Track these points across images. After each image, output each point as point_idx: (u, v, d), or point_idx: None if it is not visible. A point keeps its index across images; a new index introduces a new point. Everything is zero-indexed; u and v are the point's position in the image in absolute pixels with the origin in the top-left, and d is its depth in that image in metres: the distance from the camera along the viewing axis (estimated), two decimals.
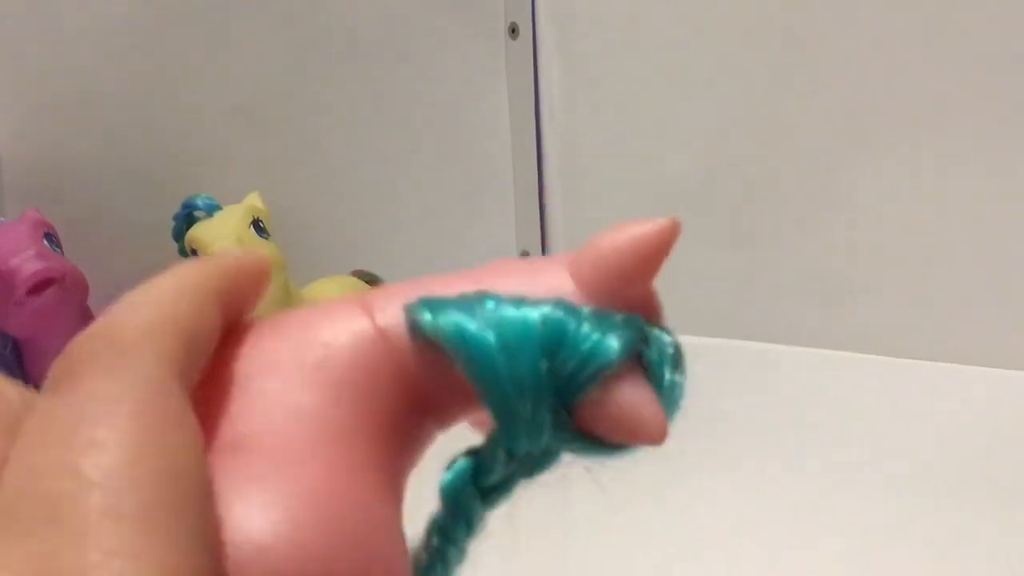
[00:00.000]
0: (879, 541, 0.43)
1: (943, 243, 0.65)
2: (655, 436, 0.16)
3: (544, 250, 0.84)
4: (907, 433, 0.55)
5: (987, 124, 0.63)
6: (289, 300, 0.56)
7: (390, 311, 0.16)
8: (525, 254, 0.82)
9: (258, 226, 0.56)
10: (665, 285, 0.19)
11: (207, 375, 0.15)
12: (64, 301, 0.51)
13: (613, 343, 0.16)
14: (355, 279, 0.65)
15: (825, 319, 0.70)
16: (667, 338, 0.17)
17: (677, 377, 0.17)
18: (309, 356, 0.16)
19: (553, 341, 0.16)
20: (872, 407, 0.60)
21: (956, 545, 0.42)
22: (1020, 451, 0.51)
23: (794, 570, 0.40)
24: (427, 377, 0.16)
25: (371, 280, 0.66)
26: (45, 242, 0.52)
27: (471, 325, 0.15)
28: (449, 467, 0.17)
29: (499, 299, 0.16)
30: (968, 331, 0.65)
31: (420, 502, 0.17)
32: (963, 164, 0.64)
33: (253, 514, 0.13)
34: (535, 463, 0.17)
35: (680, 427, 0.17)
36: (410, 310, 0.16)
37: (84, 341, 0.14)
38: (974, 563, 0.41)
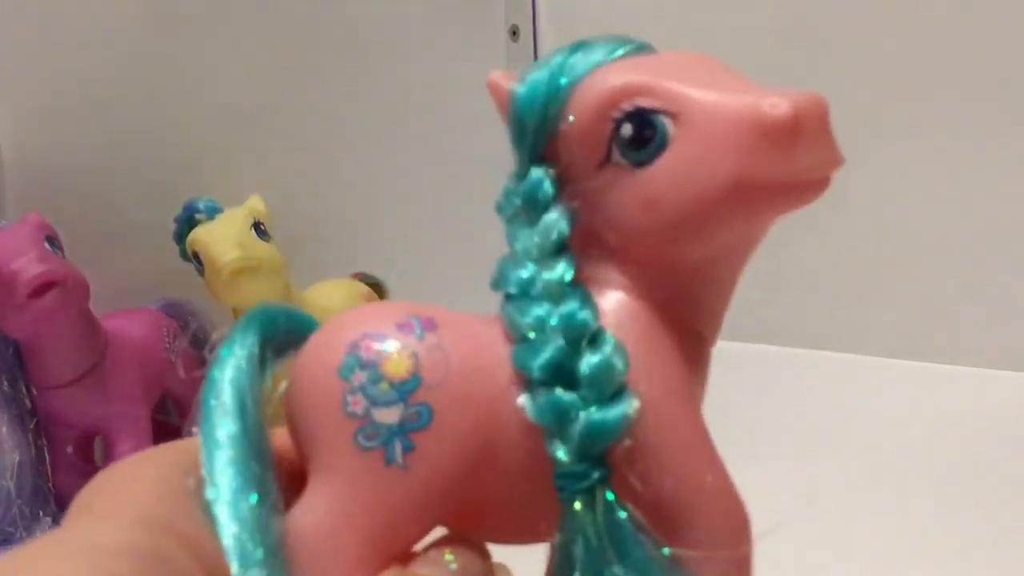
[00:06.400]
0: (880, 540, 0.43)
1: (944, 245, 0.65)
2: None
3: None
4: (908, 434, 0.55)
5: (990, 125, 0.63)
6: (290, 302, 0.56)
7: None
8: None
9: (259, 228, 0.56)
10: None
11: None
12: (65, 304, 0.51)
13: None
14: (356, 282, 0.65)
15: (827, 321, 0.70)
16: None
17: None
18: None
19: None
20: (873, 408, 0.60)
21: (956, 545, 0.42)
22: (1020, 452, 0.51)
23: (795, 570, 0.40)
24: None
25: (372, 283, 0.66)
26: (46, 245, 0.52)
27: None
28: None
29: None
30: (969, 332, 0.65)
31: None
32: (965, 167, 0.64)
33: None
34: None
35: None
36: None
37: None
38: (974, 563, 0.41)
